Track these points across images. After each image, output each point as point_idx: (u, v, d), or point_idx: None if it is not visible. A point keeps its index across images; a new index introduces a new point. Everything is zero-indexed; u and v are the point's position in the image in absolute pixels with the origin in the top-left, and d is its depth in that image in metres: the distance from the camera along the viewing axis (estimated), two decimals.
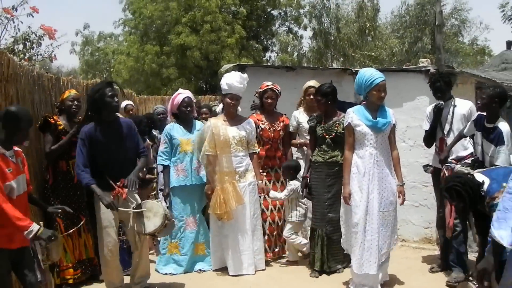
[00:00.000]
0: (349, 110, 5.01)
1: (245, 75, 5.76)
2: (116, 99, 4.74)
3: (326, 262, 5.53)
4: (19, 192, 3.77)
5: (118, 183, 4.71)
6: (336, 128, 5.49)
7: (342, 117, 5.45)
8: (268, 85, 6.02)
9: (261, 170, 5.95)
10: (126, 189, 4.71)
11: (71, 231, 4.83)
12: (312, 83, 6.09)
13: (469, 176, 4.12)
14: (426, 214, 6.64)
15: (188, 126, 5.90)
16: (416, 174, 6.58)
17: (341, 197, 5.08)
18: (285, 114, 6.22)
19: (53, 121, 5.09)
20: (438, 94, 5.55)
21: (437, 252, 6.31)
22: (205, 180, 5.80)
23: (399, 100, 6.68)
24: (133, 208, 4.70)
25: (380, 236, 4.83)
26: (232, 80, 5.62)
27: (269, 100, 6.02)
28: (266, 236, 5.99)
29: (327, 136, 5.53)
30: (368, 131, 4.85)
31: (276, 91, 6.04)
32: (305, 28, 24.62)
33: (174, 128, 5.85)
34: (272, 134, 6.02)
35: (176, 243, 5.73)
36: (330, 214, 5.45)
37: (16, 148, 3.86)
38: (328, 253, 5.52)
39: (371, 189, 4.82)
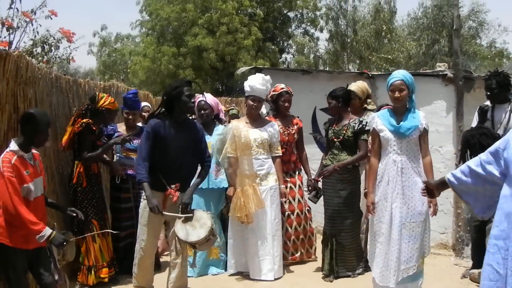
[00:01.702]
0: (374, 115, 4.83)
1: (268, 77, 5.70)
2: (193, 100, 4.65)
3: (334, 267, 5.49)
4: (36, 194, 3.82)
5: (173, 186, 4.58)
6: (344, 132, 5.41)
7: (352, 121, 5.41)
8: (283, 88, 5.93)
9: None
10: (178, 193, 4.58)
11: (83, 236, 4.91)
12: (353, 87, 5.86)
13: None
14: (442, 220, 6.58)
15: (209, 129, 5.85)
16: None
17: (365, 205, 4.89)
18: (298, 117, 6.18)
19: (94, 128, 5.12)
20: (487, 93, 5.45)
21: (453, 258, 6.27)
22: (222, 185, 5.80)
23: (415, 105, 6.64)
24: (181, 214, 4.57)
25: (406, 248, 4.51)
26: (254, 82, 5.59)
27: (287, 104, 5.95)
28: (292, 241, 5.95)
29: (335, 140, 5.48)
30: (391, 136, 4.55)
31: (291, 93, 5.99)
32: (321, 30, 24.60)
33: None
34: (287, 138, 5.94)
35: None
36: (339, 219, 5.40)
37: (34, 151, 3.92)
38: (337, 258, 5.47)
39: (394, 198, 4.52)
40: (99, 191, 5.31)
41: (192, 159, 4.78)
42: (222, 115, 6.21)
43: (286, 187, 5.88)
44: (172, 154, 4.60)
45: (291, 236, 5.95)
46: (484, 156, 2.83)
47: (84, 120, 5.08)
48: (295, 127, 6.01)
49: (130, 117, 5.72)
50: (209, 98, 5.96)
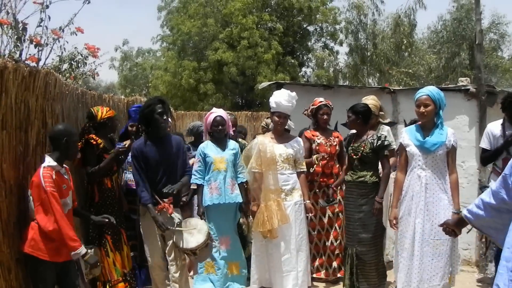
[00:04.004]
0: (403, 130, 4.86)
1: (294, 94, 5.69)
2: (165, 117, 4.82)
3: (355, 282, 5.41)
4: (69, 207, 3.99)
5: (166, 200, 4.80)
6: (362, 148, 5.35)
7: (370, 137, 5.37)
8: (321, 101, 6.04)
9: (316, 190, 5.97)
10: (172, 206, 4.80)
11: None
12: (368, 101, 5.93)
13: None
14: (465, 236, 6.41)
15: (222, 144, 5.85)
16: None
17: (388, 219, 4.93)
18: (338, 131, 6.20)
19: (94, 142, 5.07)
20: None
21: (476, 274, 6.21)
22: (238, 199, 5.77)
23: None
24: (177, 224, 4.78)
25: (429, 266, 4.50)
26: (280, 98, 5.58)
27: (325, 116, 6.05)
28: (327, 255, 6.03)
29: (354, 156, 5.43)
30: (417, 151, 4.58)
31: (330, 106, 6.06)
32: (341, 43, 24.57)
33: (208, 146, 5.83)
34: (329, 149, 5.99)
35: (212, 263, 5.71)
36: (361, 234, 5.33)
37: (64, 165, 4.04)
38: (358, 273, 5.37)
39: (417, 213, 4.53)
40: (112, 206, 5.22)
41: (177, 172, 5.01)
42: (231, 131, 6.17)
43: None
44: (158, 170, 4.87)
45: (335, 250, 6.05)
46: (493, 186, 2.81)
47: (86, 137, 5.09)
48: (337, 139, 6.08)
49: (134, 128, 5.76)
50: (224, 113, 5.98)
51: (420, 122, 4.73)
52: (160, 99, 4.94)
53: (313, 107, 6.08)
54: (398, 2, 43.21)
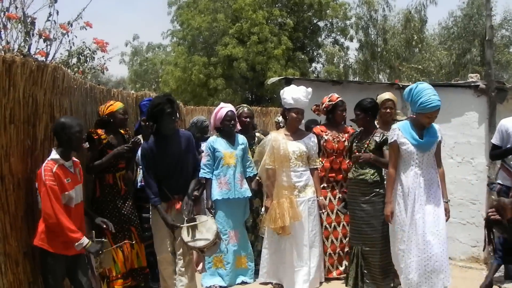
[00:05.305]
0: (395, 127, 4.83)
1: (310, 89, 5.68)
2: (173, 118, 4.80)
3: (359, 282, 5.37)
4: (77, 201, 3.97)
5: (176, 196, 4.82)
6: (366, 146, 5.34)
7: (376, 135, 5.34)
8: (338, 97, 5.97)
9: (325, 185, 5.90)
10: (181, 202, 4.82)
11: (121, 243, 4.94)
12: (388, 95, 5.90)
13: None
14: (474, 233, 6.49)
15: (231, 139, 5.91)
16: (464, 191, 6.46)
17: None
18: (351, 126, 6.18)
19: (96, 137, 5.08)
20: None
21: (484, 272, 6.17)
22: (247, 194, 5.82)
23: (447, 116, 6.54)
24: (186, 221, 4.78)
25: (441, 256, 4.56)
26: (298, 94, 5.56)
27: (344, 113, 6.01)
28: (328, 254, 5.90)
29: (357, 153, 5.41)
30: (414, 150, 4.64)
31: (344, 102, 6.01)
32: (351, 39, 24.44)
33: (217, 141, 5.87)
34: (336, 145, 5.92)
35: (220, 257, 5.75)
36: (365, 234, 5.31)
37: (74, 159, 4.08)
38: (362, 274, 5.33)
39: (417, 209, 4.59)
40: (114, 202, 5.20)
41: (186, 168, 4.99)
42: (238, 125, 6.17)
43: (335, 197, 5.91)
44: (168, 167, 4.86)
45: (336, 249, 5.93)
46: None
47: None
48: (347, 135, 5.98)
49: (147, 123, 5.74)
50: (233, 108, 6.02)
51: (413, 119, 4.80)
52: (169, 99, 4.88)
53: (330, 103, 5.99)
54: None
